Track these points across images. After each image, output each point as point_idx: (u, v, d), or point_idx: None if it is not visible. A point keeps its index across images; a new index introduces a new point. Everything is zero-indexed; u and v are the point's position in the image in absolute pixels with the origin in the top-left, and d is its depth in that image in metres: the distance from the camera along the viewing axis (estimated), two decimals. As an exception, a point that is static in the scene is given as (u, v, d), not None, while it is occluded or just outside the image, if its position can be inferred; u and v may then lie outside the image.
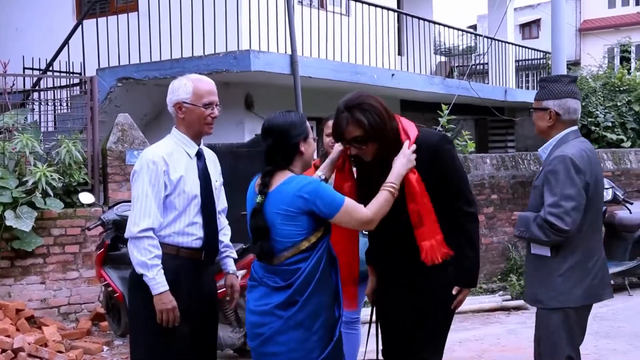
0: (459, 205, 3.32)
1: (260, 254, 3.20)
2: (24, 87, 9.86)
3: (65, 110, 10.15)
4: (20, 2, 12.08)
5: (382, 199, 3.15)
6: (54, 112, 9.91)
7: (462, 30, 15.55)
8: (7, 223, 6.39)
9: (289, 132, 3.21)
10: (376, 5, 11.36)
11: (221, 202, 3.78)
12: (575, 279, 3.50)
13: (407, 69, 12.49)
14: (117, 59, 9.65)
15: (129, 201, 6.65)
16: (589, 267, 3.54)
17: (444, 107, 9.55)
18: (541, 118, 3.66)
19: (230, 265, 3.82)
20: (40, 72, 10.26)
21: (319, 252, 3.16)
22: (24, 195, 6.64)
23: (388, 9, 11.91)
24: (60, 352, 5.81)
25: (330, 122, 4.57)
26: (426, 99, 12.54)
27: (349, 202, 3.13)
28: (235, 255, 3.90)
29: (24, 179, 6.72)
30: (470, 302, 7.91)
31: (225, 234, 3.79)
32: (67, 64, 10.10)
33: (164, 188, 3.42)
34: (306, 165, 3.33)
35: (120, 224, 6.20)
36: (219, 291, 5.62)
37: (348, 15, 11.53)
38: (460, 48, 17.32)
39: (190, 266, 3.48)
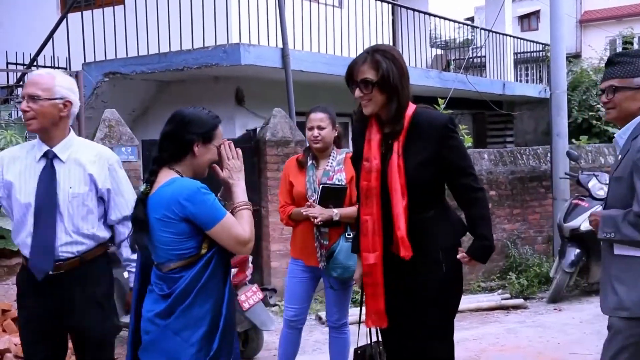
0: (468, 182, 3.37)
1: (132, 246, 3.13)
2: (8, 82, 9.88)
3: (50, 107, 10.17)
4: (2, -5, 12.09)
5: (248, 218, 3.06)
6: (39, 108, 9.92)
7: (459, 22, 15.60)
8: (-9, 222, 6.42)
9: (188, 125, 3.04)
10: (370, -3, 11.42)
11: (116, 210, 3.56)
12: None
13: (403, 62, 12.49)
14: (104, 53, 9.66)
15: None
16: None
17: (440, 101, 9.59)
18: (631, 98, 3.23)
19: (132, 281, 3.52)
20: (25, 67, 10.27)
21: (204, 259, 3.02)
22: (8, 193, 6.66)
23: (382, 0, 11.94)
24: (47, 354, 5.83)
25: (313, 115, 4.60)
26: (422, 92, 12.58)
27: (230, 218, 3.00)
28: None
29: (8, 177, 6.73)
30: (469, 301, 7.96)
31: (126, 245, 3.59)
32: (52, 59, 10.12)
33: None
34: (197, 173, 3.12)
35: (107, 223, 6.25)
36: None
37: (340, 7, 11.57)
38: (457, 41, 17.41)
39: (32, 278, 3.38)
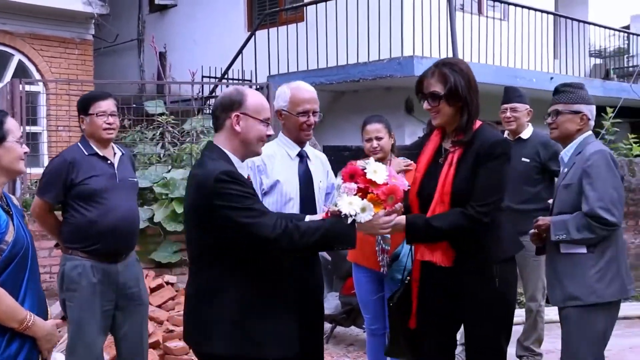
0: (471, 209, 3.04)
1: None
2: (202, 94, 10.32)
3: (239, 115, 10.53)
4: (197, 17, 12.63)
5: (15, 308, 2.60)
6: (230, 116, 10.31)
7: (622, 32, 14.61)
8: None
9: None
10: (535, 9, 10.91)
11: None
12: (612, 273, 3.49)
13: (566, 72, 11.90)
14: (286, 67, 9.84)
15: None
16: (621, 260, 3.54)
17: (609, 110, 9.01)
18: (571, 121, 3.65)
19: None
20: (217, 80, 10.68)
21: None
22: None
23: (546, 12, 11.42)
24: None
25: (369, 127, 4.46)
26: (583, 101, 11.90)
27: None
28: None
29: (210, 179, 6.97)
30: (639, 307, 7.47)
31: None
32: (240, 72, 10.44)
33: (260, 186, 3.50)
34: (9, 172, 2.77)
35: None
36: None
37: (507, 20, 11.15)
38: (609, 49, 16.30)
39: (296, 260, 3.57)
